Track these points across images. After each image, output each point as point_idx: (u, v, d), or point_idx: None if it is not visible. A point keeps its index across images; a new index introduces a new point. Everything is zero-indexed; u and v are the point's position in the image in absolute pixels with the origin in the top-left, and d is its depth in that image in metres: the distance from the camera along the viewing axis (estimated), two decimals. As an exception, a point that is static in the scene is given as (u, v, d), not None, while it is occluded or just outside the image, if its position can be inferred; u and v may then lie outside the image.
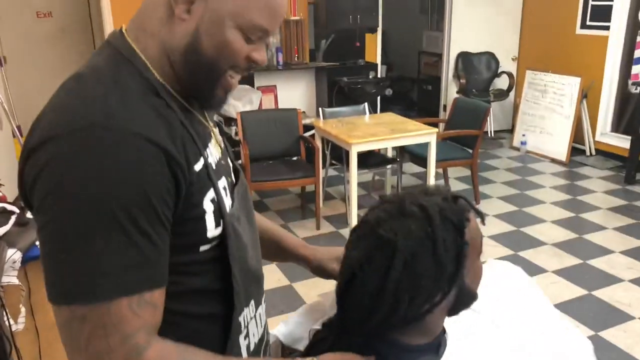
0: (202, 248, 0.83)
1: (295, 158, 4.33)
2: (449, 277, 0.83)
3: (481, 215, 0.90)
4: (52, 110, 0.75)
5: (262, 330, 1.01)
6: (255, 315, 0.96)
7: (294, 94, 5.53)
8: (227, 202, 0.87)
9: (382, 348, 0.88)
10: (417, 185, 0.87)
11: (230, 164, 0.98)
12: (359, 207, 4.00)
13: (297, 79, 5.51)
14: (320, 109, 4.51)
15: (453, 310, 0.90)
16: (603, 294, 3.11)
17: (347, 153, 3.86)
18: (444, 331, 0.95)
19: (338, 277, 0.91)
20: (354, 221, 3.83)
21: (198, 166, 0.81)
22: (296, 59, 5.25)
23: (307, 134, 4.45)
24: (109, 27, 4.80)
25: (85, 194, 0.68)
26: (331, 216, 4.25)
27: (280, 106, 5.26)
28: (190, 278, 0.83)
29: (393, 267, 0.79)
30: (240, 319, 0.91)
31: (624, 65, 5.40)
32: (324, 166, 4.42)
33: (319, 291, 2.94)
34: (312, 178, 3.95)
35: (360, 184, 4.59)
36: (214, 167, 0.85)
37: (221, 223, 0.84)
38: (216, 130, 0.96)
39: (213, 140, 0.91)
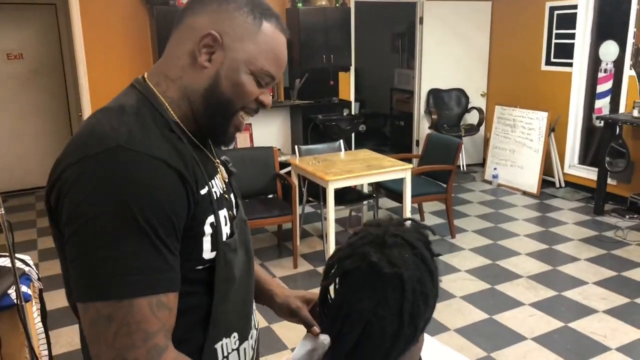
0: (197, 267, 0.91)
1: (271, 196, 4.33)
2: (437, 290, 0.90)
3: (433, 232, 0.95)
4: (81, 135, 0.86)
5: None
6: (238, 349, 1.01)
7: (269, 131, 5.57)
8: (225, 231, 0.96)
9: None
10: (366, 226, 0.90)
11: (234, 200, 1.07)
12: (337, 243, 4.00)
13: (272, 117, 5.57)
14: (296, 147, 4.55)
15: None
16: (579, 325, 3.14)
17: (324, 190, 3.88)
18: None
19: (338, 342, 0.88)
20: (331, 258, 3.82)
21: (203, 191, 0.91)
22: (272, 98, 5.31)
23: (283, 172, 4.47)
24: (82, 68, 4.80)
25: (113, 203, 0.78)
26: (308, 254, 4.23)
27: (256, 144, 5.29)
28: (181, 296, 0.87)
29: (406, 299, 0.83)
30: (217, 346, 0.95)
31: (588, 99, 5.61)
32: (300, 203, 4.42)
33: (298, 333, 2.91)
34: (289, 216, 3.94)
35: (337, 220, 4.60)
36: (217, 197, 0.96)
37: (216, 248, 0.93)
38: (222, 168, 1.07)
39: (219, 175, 1.02)
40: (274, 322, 3.17)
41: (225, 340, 0.97)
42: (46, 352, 2.08)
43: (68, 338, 3.06)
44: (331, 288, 0.93)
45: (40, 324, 2.07)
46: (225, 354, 0.97)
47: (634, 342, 2.95)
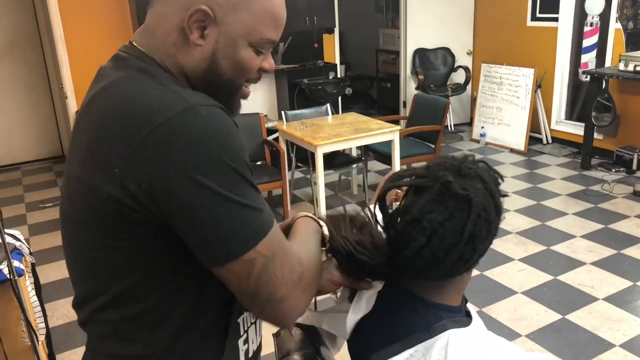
0: None
1: (259, 163, 4.32)
2: (498, 225, 0.97)
3: (500, 176, 1.02)
4: (129, 110, 0.78)
5: (259, 339, 1.04)
6: (255, 322, 1.00)
7: (255, 98, 5.50)
8: None
9: (421, 308, 0.98)
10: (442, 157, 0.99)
11: None
12: (327, 207, 4.02)
13: (257, 83, 5.49)
14: (282, 112, 4.51)
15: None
16: (567, 278, 3.21)
17: (313, 155, 3.87)
18: (465, 300, 1.05)
19: (408, 240, 0.95)
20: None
21: None
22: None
23: (270, 138, 4.44)
24: (60, 39, 4.67)
25: (222, 152, 0.76)
26: (300, 219, 4.25)
27: (242, 111, 5.21)
28: (202, 282, 0.86)
29: (470, 220, 0.90)
30: (240, 320, 0.94)
31: (574, 54, 5.60)
32: (289, 169, 4.41)
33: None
34: (278, 182, 3.94)
35: (327, 185, 4.61)
36: None
37: None
38: None
39: None
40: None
41: (245, 314, 0.96)
42: (43, 325, 2.09)
43: (64, 310, 3.08)
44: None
45: (35, 298, 2.07)
46: (246, 327, 0.97)
47: (620, 292, 3.03)
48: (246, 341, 0.97)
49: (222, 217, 0.76)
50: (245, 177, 0.79)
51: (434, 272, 0.94)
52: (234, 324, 0.93)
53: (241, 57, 0.86)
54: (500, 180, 1.00)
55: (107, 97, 0.82)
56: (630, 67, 4.55)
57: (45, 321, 2.17)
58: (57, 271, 3.51)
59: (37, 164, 5.96)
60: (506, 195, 0.99)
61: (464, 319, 0.99)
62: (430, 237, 0.91)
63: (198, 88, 0.86)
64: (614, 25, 5.03)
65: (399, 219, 0.96)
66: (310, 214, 1.01)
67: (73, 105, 4.80)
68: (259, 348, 1.04)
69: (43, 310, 2.17)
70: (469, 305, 1.06)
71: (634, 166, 4.81)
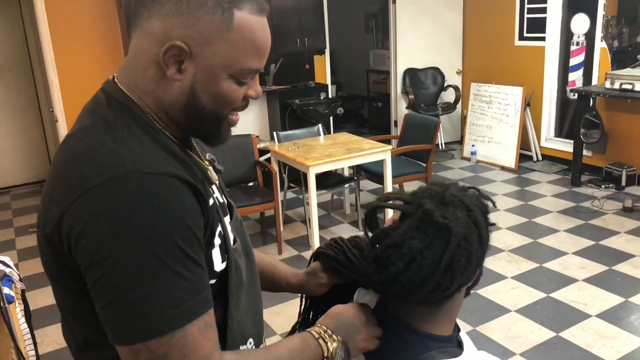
0: (210, 282, 0.86)
1: (251, 184, 4.32)
2: (484, 255, 0.97)
3: (492, 202, 1.02)
4: (74, 162, 0.78)
5: None
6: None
7: (247, 119, 5.52)
8: (231, 236, 0.92)
9: (410, 337, 0.97)
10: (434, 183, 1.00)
11: (225, 201, 0.99)
12: (320, 227, 4.02)
13: (249, 104, 5.51)
14: (274, 133, 4.53)
15: (468, 291, 1.02)
16: (560, 295, 3.21)
17: (305, 175, 3.87)
18: (458, 329, 1.05)
19: (387, 264, 0.95)
20: (315, 243, 3.84)
21: (210, 201, 0.85)
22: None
23: (262, 159, 4.45)
24: (50, 64, 4.68)
25: (137, 237, 0.73)
26: (292, 239, 4.24)
27: (234, 132, 5.20)
28: None
29: (448, 250, 0.89)
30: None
31: (561, 73, 5.68)
32: (281, 189, 4.42)
33: (287, 319, 2.92)
34: (271, 203, 3.94)
35: (320, 205, 4.61)
36: (219, 203, 0.91)
37: (226, 258, 0.88)
38: (211, 168, 0.99)
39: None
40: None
41: (242, 348, 0.94)
42: (33, 352, 2.06)
43: (54, 336, 3.03)
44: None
45: (25, 325, 2.04)
46: None
47: (612, 308, 3.04)
48: None
49: (119, 300, 0.73)
50: (164, 259, 0.73)
51: (412, 298, 0.94)
52: None
53: (222, 90, 0.83)
54: (491, 208, 0.99)
55: (65, 147, 0.83)
56: (617, 85, 4.62)
57: (35, 348, 2.14)
58: (46, 297, 3.47)
59: (26, 188, 5.92)
60: (493, 225, 0.98)
61: (454, 349, 0.98)
62: (409, 263, 0.91)
63: (180, 122, 0.85)
64: (600, 44, 5.12)
65: (381, 241, 0.96)
66: (323, 332, 0.92)
67: (64, 129, 4.79)
68: None
69: (33, 337, 2.14)
70: (463, 329, 1.06)
71: (623, 182, 4.85)
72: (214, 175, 0.97)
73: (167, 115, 0.85)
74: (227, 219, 0.92)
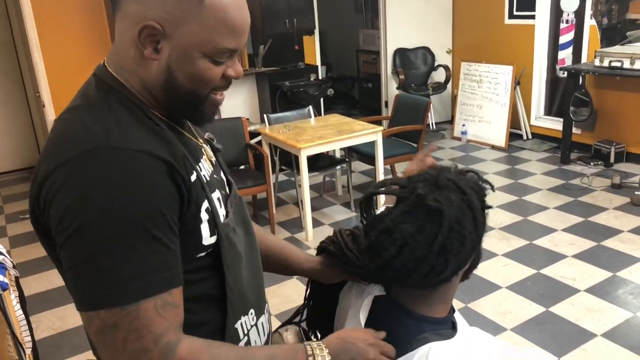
0: (198, 255, 0.89)
1: (243, 167, 4.31)
2: (480, 238, 0.96)
3: (491, 186, 1.02)
4: (56, 140, 0.83)
5: (266, 338, 1.05)
6: (257, 324, 1.01)
7: (236, 101, 5.49)
8: (222, 212, 0.93)
9: (405, 319, 0.98)
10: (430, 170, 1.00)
11: (224, 178, 1.03)
12: (313, 209, 4.03)
13: (238, 87, 5.49)
14: (265, 116, 4.51)
15: (465, 275, 1.03)
16: (550, 271, 3.26)
17: (297, 157, 3.88)
18: (453, 310, 1.05)
19: (380, 250, 0.96)
20: (308, 224, 3.86)
21: (193, 177, 0.87)
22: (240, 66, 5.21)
23: (253, 141, 4.44)
24: (35, 45, 4.61)
25: (100, 208, 0.75)
26: (285, 221, 4.26)
27: (224, 115, 5.21)
28: (189, 286, 0.86)
29: (441, 233, 0.89)
30: (237, 326, 0.95)
31: (551, 51, 5.69)
32: (273, 172, 4.42)
33: (281, 299, 2.95)
34: (263, 186, 3.94)
35: (312, 187, 4.62)
36: (207, 180, 0.92)
37: (216, 232, 0.90)
38: (207, 146, 1.02)
39: (204, 156, 0.97)
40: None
41: (244, 319, 0.97)
42: (29, 338, 2.07)
43: (49, 322, 3.05)
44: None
45: (21, 311, 2.05)
46: (246, 331, 0.97)
47: (601, 283, 3.09)
48: (248, 342, 0.98)
49: (76, 269, 0.77)
50: (122, 234, 0.75)
51: (407, 282, 0.95)
52: (230, 331, 0.93)
53: (197, 69, 0.84)
54: (489, 191, 0.99)
55: (52, 128, 0.87)
56: (606, 63, 4.64)
57: (31, 334, 2.15)
58: (40, 283, 3.47)
59: (15, 175, 5.87)
60: (490, 208, 0.98)
61: (448, 331, 0.99)
62: (401, 248, 0.91)
63: (162, 101, 0.88)
64: (589, 22, 5.12)
65: (374, 228, 0.96)
66: (319, 352, 0.90)
67: (51, 114, 4.74)
68: (267, 342, 1.05)
69: (29, 323, 2.15)
70: (455, 306, 1.07)
71: (612, 159, 4.90)
72: (209, 153, 1.00)
73: (151, 95, 0.87)
74: (217, 195, 0.93)
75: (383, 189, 1.01)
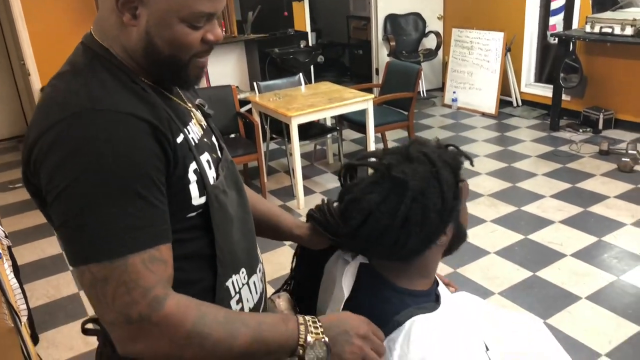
0: (189, 215, 0.91)
1: (233, 135, 4.30)
2: (450, 211, 0.96)
3: (470, 160, 1.03)
4: (43, 105, 0.85)
5: (258, 297, 1.07)
6: (248, 282, 1.03)
7: (225, 69, 5.43)
8: (211, 174, 0.95)
9: (387, 293, 0.99)
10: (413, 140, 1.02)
11: (216, 142, 1.06)
12: (304, 177, 4.05)
13: (227, 54, 5.41)
14: (255, 84, 4.47)
15: (448, 250, 1.05)
16: (537, 236, 3.33)
17: (287, 126, 3.86)
18: (437, 283, 1.07)
19: (348, 218, 0.99)
20: (300, 193, 3.88)
21: (179, 139, 0.89)
22: (224, 33, 5.14)
23: (243, 110, 4.41)
24: (18, 14, 4.50)
25: (87, 167, 0.78)
26: (277, 190, 4.27)
27: (213, 83, 5.16)
28: (180, 245, 0.89)
29: (404, 203, 0.91)
30: (228, 284, 0.98)
31: (542, 17, 5.65)
32: (264, 140, 4.41)
33: (274, 266, 2.99)
34: (254, 154, 3.94)
35: (303, 155, 4.62)
36: (195, 142, 0.94)
37: (205, 193, 0.92)
38: (197, 112, 1.04)
39: (194, 120, 0.99)
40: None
41: (235, 277, 0.99)
42: (24, 306, 2.09)
43: (43, 290, 3.07)
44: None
45: (15, 280, 2.06)
46: (237, 289, 1.00)
47: (586, 247, 3.16)
48: (239, 301, 1.01)
49: (68, 228, 0.80)
50: (108, 191, 0.78)
51: (376, 253, 0.97)
52: (221, 289, 0.96)
53: (175, 34, 0.85)
54: (467, 166, 1.00)
55: (43, 92, 0.90)
56: (597, 29, 4.62)
57: (26, 302, 2.17)
58: (32, 252, 3.48)
59: (2, 144, 5.81)
60: (462, 180, 0.99)
61: (432, 304, 1.00)
62: (367, 217, 0.93)
63: (144, 67, 0.89)
64: (581, -13, 5.08)
65: (344, 197, 0.99)
66: (311, 323, 0.90)
67: (37, 82, 4.67)
68: (260, 301, 1.08)
69: (23, 291, 2.16)
70: (444, 271, 1.10)
71: (600, 126, 4.94)
72: (198, 117, 1.02)
73: (134, 60, 0.89)
74: (206, 157, 0.95)
75: (363, 160, 1.03)
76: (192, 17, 0.85)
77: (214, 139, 1.06)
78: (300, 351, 0.87)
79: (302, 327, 0.88)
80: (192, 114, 1.00)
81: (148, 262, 0.80)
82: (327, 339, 0.88)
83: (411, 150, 0.96)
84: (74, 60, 0.90)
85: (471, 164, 1.03)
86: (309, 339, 0.87)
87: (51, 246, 3.51)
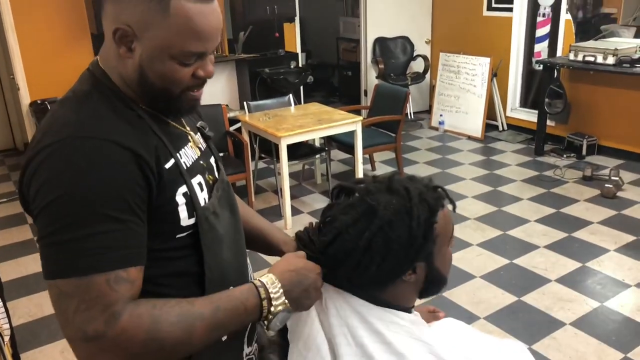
0: (178, 235, 0.95)
1: (222, 154, 4.30)
2: (417, 249, 0.97)
3: (453, 204, 1.05)
4: (41, 129, 0.91)
5: None
6: None
7: (216, 88, 5.45)
8: (202, 196, 0.98)
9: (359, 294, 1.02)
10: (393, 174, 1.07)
11: (214, 163, 1.10)
12: (292, 197, 4.06)
13: (218, 73, 5.43)
14: (245, 103, 4.49)
15: (424, 292, 1.05)
16: (522, 261, 3.36)
17: (276, 145, 3.88)
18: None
19: (322, 235, 1.03)
20: (287, 213, 3.88)
21: (168, 164, 0.93)
22: (215, 52, 5.17)
23: (233, 128, 4.43)
24: (10, 27, 4.49)
25: (65, 191, 0.83)
26: (264, 209, 4.27)
27: (203, 102, 5.12)
28: (170, 262, 0.94)
29: (369, 229, 0.94)
30: None
31: (528, 44, 5.77)
32: (252, 160, 4.42)
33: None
34: (242, 173, 3.94)
35: (291, 175, 4.63)
36: (187, 166, 0.98)
37: (194, 214, 0.95)
38: (196, 135, 1.09)
39: (190, 143, 1.04)
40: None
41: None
42: (7, 326, 2.05)
43: (25, 309, 3.02)
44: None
45: (-1, 299, 2.03)
46: None
47: (571, 273, 3.20)
48: None
49: (44, 242, 0.84)
50: (82, 214, 0.82)
51: (340, 273, 0.99)
52: None
53: (165, 70, 0.90)
54: (445, 208, 1.01)
55: (46, 115, 0.95)
56: (580, 57, 4.74)
57: (9, 322, 2.13)
58: (15, 269, 3.43)
59: (-12, 158, 5.74)
60: (434, 222, 0.99)
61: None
62: (336, 236, 0.97)
63: (140, 95, 0.94)
64: (565, 16, 5.21)
65: (324, 215, 1.04)
66: (274, 292, 0.94)
67: (26, 97, 4.64)
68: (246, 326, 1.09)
69: (6, 310, 2.13)
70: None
71: (584, 151, 5.04)
72: (196, 140, 1.07)
73: (130, 88, 0.94)
74: (198, 180, 0.99)
75: (351, 185, 1.07)
76: (181, 56, 0.89)
77: (212, 160, 1.10)
78: (266, 322, 0.95)
79: (264, 302, 0.93)
80: (189, 137, 1.05)
81: (113, 282, 0.83)
82: (288, 300, 0.95)
83: (395, 182, 1.00)
84: (77, 87, 0.95)
85: (454, 209, 1.05)
86: (274, 310, 0.93)
87: (34, 263, 3.46)
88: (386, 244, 0.94)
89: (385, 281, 0.99)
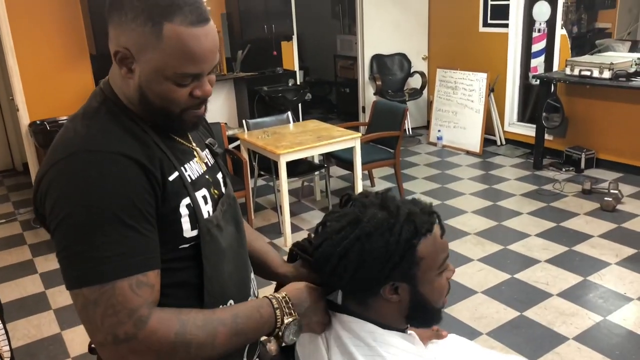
0: (181, 246, 0.98)
1: (222, 172, 4.30)
2: (392, 266, 0.98)
3: (443, 230, 1.05)
4: (53, 144, 0.96)
5: None
6: None
7: (215, 106, 5.48)
8: (206, 209, 1.02)
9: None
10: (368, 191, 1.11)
11: (221, 179, 1.13)
12: (291, 214, 4.05)
13: (216, 91, 5.47)
14: (244, 121, 4.51)
15: (412, 318, 1.06)
16: (523, 276, 3.35)
17: (275, 163, 3.89)
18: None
19: (314, 239, 1.10)
20: (287, 230, 3.88)
21: (172, 177, 0.97)
22: (216, 71, 5.20)
23: (232, 146, 4.44)
24: (9, 49, 4.53)
25: (80, 202, 0.87)
26: (264, 227, 4.27)
27: (202, 119, 5.19)
28: (173, 273, 0.97)
29: (348, 238, 0.98)
30: None
31: (524, 59, 5.83)
32: (252, 177, 4.42)
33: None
34: (242, 191, 3.94)
35: (290, 192, 4.64)
36: (191, 180, 1.01)
37: (197, 226, 0.99)
38: (204, 151, 1.12)
39: (196, 159, 1.07)
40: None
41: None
42: (7, 348, 2.04)
43: (24, 330, 3.00)
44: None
45: (-1, 321, 2.02)
46: None
47: (572, 287, 3.19)
48: None
49: (65, 254, 0.88)
50: (99, 223, 0.86)
51: (322, 278, 1.04)
52: None
53: (162, 90, 0.94)
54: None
55: (58, 132, 0.99)
56: (576, 72, 4.78)
57: (9, 344, 2.12)
58: (14, 290, 3.41)
59: (-13, 178, 5.74)
60: (414, 245, 0.99)
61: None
62: (323, 241, 1.02)
63: (143, 113, 0.98)
64: (560, 31, 5.27)
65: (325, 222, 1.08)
66: (285, 303, 1.01)
67: (25, 118, 4.66)
68: None
69: (6, 332, 2.12)
70: None
71: (582, 165, 5.05)
72: (202, 156, 1.10)
73: (135, 106, 0.98)
74: (202, 193, 1.02)
75: (357, 197, 1.10)
76: (177, 77, 0.93)
77: (219, 175, 1.13)
78: (279, 333, 0.99)
79: (278, 312, 0.99)
80: (195, 152, 1.08)
81: (135, 286, 0.87)
82: (298, 317, 1.00)
83: (388, 199, 1.03)
84: (87, 103, 1.01)
85: (442, 234, 1.04)
86: (286, 320, 0.99)
87: (33, 284, 3.44)
88: (360, 255, 0.97)
89: (361, 292, 1.02)
